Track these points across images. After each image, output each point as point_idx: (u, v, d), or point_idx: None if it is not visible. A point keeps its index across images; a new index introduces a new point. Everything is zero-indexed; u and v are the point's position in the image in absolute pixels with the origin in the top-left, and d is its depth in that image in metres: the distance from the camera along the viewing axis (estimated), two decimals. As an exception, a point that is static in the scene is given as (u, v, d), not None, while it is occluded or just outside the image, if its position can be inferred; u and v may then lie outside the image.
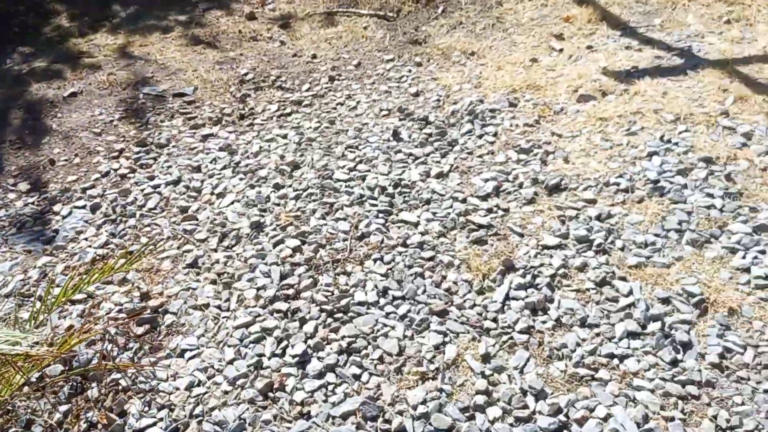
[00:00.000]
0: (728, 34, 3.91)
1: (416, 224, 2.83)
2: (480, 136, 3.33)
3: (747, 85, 3.37)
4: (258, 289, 2.57)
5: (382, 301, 2.48)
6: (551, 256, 2.58)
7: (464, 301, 2.45)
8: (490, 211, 2.85)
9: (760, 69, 3.50)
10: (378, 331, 2.36)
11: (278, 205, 3.02)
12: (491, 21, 4.48)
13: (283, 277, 2.62)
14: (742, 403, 2.01)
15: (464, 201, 2.92)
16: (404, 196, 2.99)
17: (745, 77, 3.45)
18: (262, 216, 2.95)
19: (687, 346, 2.19)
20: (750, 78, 3.43)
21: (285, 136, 3.53)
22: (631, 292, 2.39)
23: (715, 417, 1.98)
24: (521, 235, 2.71)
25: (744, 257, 2.47)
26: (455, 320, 2.38)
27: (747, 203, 2.70)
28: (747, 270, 2.42)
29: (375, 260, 2.66)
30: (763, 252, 2.47)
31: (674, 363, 2.15)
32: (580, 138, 3.22)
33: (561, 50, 4.01)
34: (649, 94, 3.43)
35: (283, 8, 5.01)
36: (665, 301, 2.35)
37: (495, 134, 3.33)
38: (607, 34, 4.12)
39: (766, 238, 2.53)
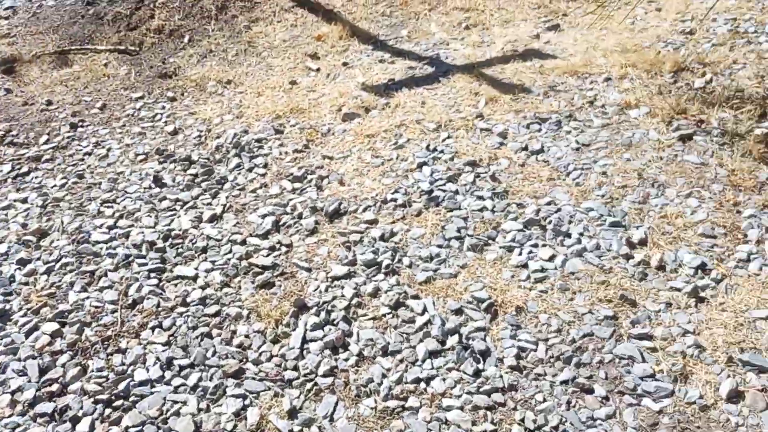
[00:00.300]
0: (469, 39, 4.14)
1: (195, 278, 2.57)
2: (250, 170, 3.15)
3: (494, 87, 3.58)
4: (12, 393, 2.15)
5: (168, 374, 2.20)
6: (343, 287, 2.48)
7: (260, 354, 2.26)
8: (272, 249, 2.68)
9: (501, 70, 3.74)
10: (168, 410, 2.08)
11: (26, 284, 2.58)
12: (243, 46, 4.31)
13: (43, 371, 2.22)
14: (544, 400, 2.06)
15: (244, 243, 2.72)
16: (177, 248, 2.72)
17: (491, 79, 3.65)
18: (7, 301, 2.50)
19: (485, 353, 2.21)
20: (495, 79, 3.65)
21: (25, 200, 3.05)
22: (425, 310, 2.36)
23: (523, 420, 2.01)
24: (309, 270, 2.58)
25: (520, 254, 2.57)
26: (253, 378, 2.18)
27: (514, 200, 2.82)
28: (525, 266, 2.52)
29: (153, 328, 2.36)
30: (536, 246, 2.59)
31: (477, 374, 2.15)
32: (351, 158, 3.17)
33: (318, 69, 3.96)
34: (409, 106, 3.50)
35: (4, 50, 4.39)
36: (458, 311, 2.36)
37: (265, 165, 3.17)
38: (360, 49, 4.15)
39: (537, 231, 2.66)
